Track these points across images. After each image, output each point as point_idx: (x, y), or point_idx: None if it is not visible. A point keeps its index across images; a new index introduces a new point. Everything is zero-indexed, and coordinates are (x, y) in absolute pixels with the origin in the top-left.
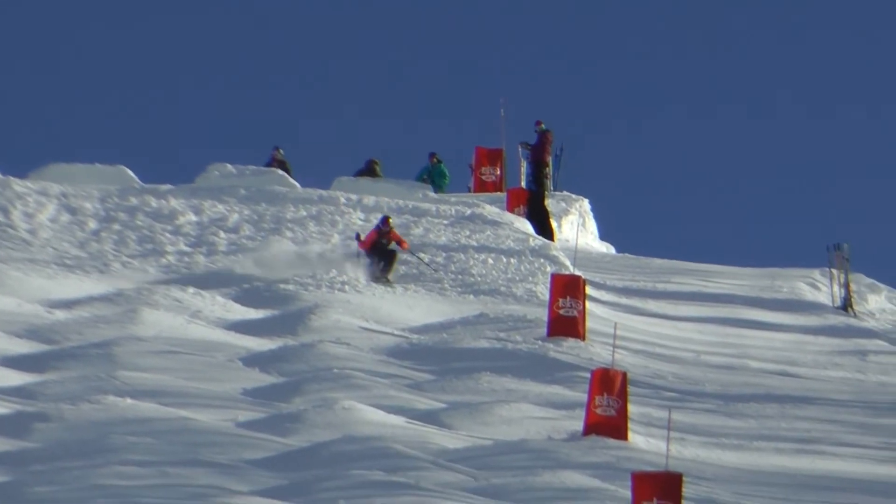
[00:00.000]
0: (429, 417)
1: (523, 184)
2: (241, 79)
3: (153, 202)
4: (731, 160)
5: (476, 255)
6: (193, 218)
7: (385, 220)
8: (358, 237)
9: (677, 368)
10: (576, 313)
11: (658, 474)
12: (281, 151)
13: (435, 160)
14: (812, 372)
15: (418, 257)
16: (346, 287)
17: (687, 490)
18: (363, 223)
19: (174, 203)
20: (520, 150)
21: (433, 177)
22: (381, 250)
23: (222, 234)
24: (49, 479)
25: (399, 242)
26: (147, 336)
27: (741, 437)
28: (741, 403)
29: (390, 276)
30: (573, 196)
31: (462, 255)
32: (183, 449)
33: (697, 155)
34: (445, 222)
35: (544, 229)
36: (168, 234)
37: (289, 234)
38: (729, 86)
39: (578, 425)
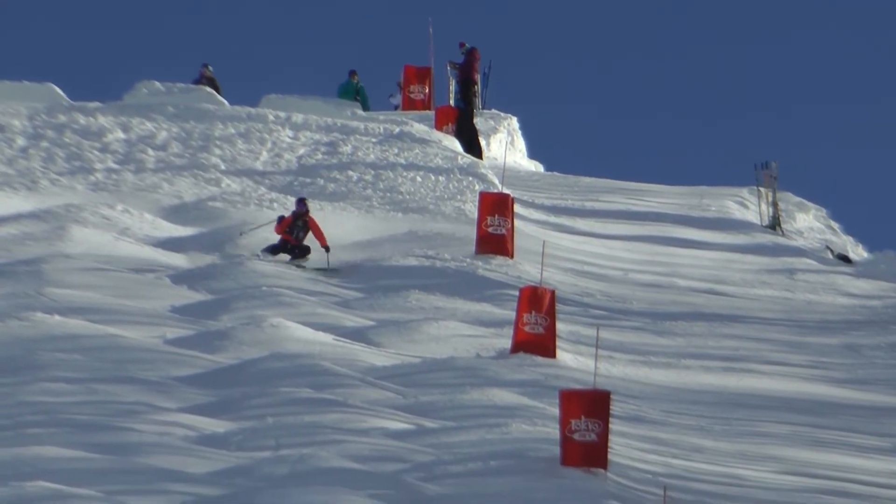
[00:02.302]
0: (357, 335)
1: (452, 102)
2: None
3: (81, 120)
4: (659, 77)
5: (404, 173)
6: (121, 135)
7: (302, 201)
8: (280, 219)
9: (605, 286)
10: (504, 231)
11: (586, 392)
12: (210, 68)
13: (356, 79)
14: (740, 290)
15: (328, 261)
16: (275, 205)
17: (615, 408)
18: (291, 140)
19: (102, 120)
20: (448, 69)
21: (361, 96)
22: (294, 245)
23: (150, 152)
24: None
25: (316, 233)
26: (75, 253)
27: (669, 355)
28: (669, 322)
29: (300, 262)
30: (502, 114)
31: (390, 173)
32: (111, 366)
33: (626, 72)
34: (374, 140)
35: (472, 147)
36: (96, 152)
37: (217, 151)
38: (658, 1)
39: (507, 343)
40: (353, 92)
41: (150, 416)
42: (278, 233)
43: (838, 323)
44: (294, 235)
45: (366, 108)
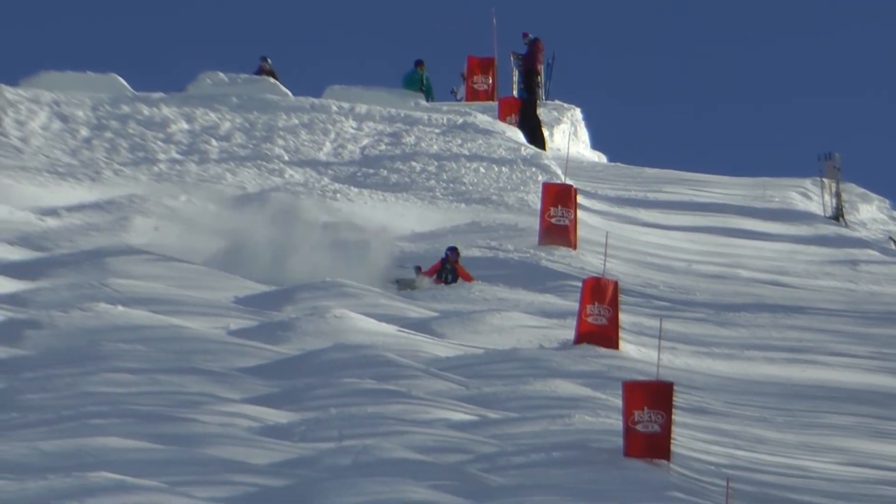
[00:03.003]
0: (420, 326)
1: (515, 93)
2: None
3: (145, 110)
4: (723, 68)
5: (468, 164)
6: (185, 126)
7: (454, 250)
8: (418, 269)
9: (669, 277)
10: (567, 222)
11: (649, 383)
12: (269, 61)
13: (423, 69)
14: (803, 281)
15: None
16: (338, 196)
17: (678, 399)
18: (355, 131)
19: (166, 111)
20: (511, 59)
21: (426, 86)
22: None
23: (214, 143)
24: (40, 386)
25: (464, 277)
26: (138, 244)
27: (732, 346)
28: (732, 313)
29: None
30: (565, 105)
31: (454, 164)
32: (174, 356)
33: (690, 63)
34: (437, 131)
35: (535, 138)
36: (160, 143)
37: (280, 142)
38: None
39: (570, 334)
40: (418, 82)
41: (213, 407)
42: (428, 275)
43: None
44: (443, 279)
45: (431, 99)
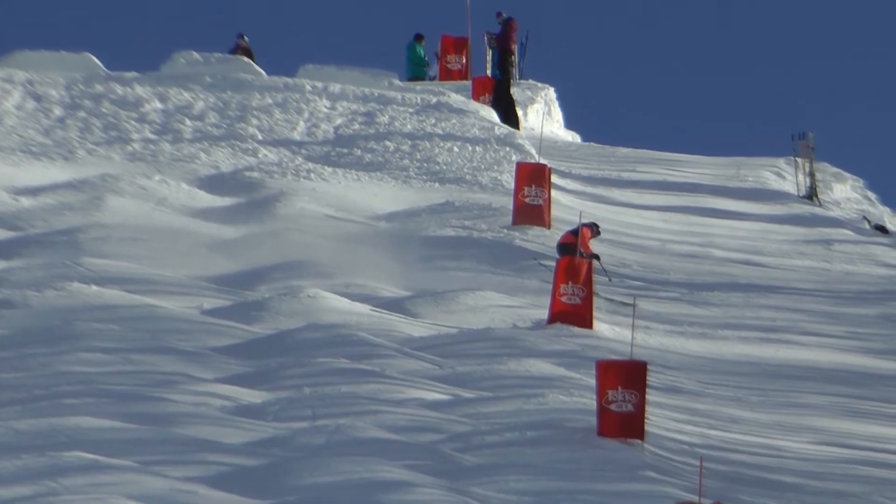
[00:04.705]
0: (394, 305)
1: (489, 72)
2: None
3: (119, 89)
4: (696, 48)
5: (441, 144)
6: (159, 105)
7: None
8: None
9: (642, 257)
10: (541, 202)
11: (623, 363)
12: (245, 39)
13: (423, 42)
14: (777, 261)
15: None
16: (312, 175)
17: (651, 378)
18: (328, 110)
19: (139, 90)
20: (485, 39)
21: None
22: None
23: (188, 122)
24: (14, 365)
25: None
26: (112, 223)
27: (706, 325)
28: (706, 292)
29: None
30: (539, 84)
31: (427, 144)
32: (148, 336)
33: (663, 42)
34: (411, 110)
35: (509, 117)
36: (133, 122)
37: (254, 121)
38: None
39: (543, 314)
40: (422, 55)
41: (186, 387)
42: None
43: (875, 293)
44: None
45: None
